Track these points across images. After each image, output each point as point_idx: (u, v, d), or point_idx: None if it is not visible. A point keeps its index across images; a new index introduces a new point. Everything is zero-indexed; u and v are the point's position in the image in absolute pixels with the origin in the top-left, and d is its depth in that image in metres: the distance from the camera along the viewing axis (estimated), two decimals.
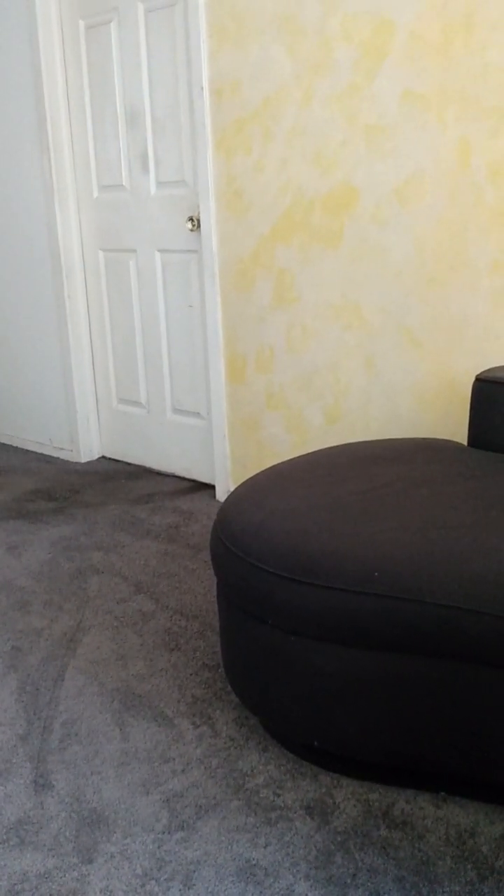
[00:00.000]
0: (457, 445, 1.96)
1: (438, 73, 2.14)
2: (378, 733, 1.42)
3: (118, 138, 3.05)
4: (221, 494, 3.03)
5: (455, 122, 2.14)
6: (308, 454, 1.92)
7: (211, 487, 3.15)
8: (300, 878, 1.32)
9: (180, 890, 1.31)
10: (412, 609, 1.32)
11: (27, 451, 3.79)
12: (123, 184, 3.09)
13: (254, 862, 1.36)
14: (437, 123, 2.17)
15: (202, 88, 2.63)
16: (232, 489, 3.00)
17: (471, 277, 2.21)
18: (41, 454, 3.72)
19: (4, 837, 1.44)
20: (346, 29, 2.27)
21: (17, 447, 3.85)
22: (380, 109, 2.27)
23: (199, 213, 2.85)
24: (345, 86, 2.31)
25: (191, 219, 2.84)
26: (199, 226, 2.86)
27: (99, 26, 2.98)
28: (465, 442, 2.34)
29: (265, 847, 1.39)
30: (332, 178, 2.41)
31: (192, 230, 2.87)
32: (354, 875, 1.33)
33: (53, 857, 1.39)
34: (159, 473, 3.35)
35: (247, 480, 1.77)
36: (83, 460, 3.56)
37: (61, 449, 3.63)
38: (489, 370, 2.02)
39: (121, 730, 1.71)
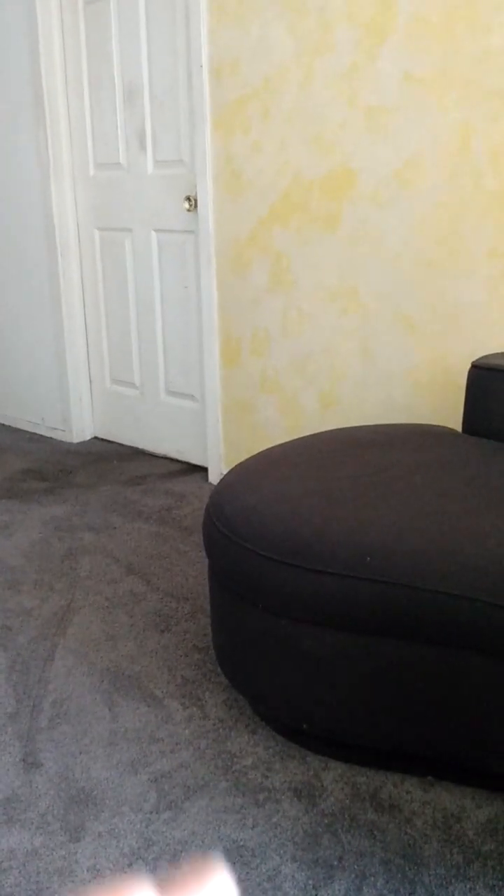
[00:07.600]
0: (451, 432, 1.96)
1: (440, 55, 2.11)
2: (367, 717, 1.42)
3: (116, 115, 3.01)
4: (214, 477, 3.02)
5: (456, 105, 2.12)
6: (302, 438, 1.91)
7: (203, 470, 3.14)
8: (287, 860, 1.33)
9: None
10: (404, 594, 1.32)
11: (19, 430, 3.77)
12: (120, 162, 3.05)
13: (241, 843, 1.36)
14: (437, 106, 2.15)
15: (201, 66, 2.60)
16: (224, 472, 2.99)
17: (468, 263, 2.20)
18: (33, 433, 3.70)
19: None
20: (347, 8, 2.24)
21: (8, 426, 3.83)
22: (380, 91, 2.24)
23: (196, 193, 2.83)
24: (346, 66, 2.29)
25: (188, 198, 2.81)
26: (195, 206, 2.83)
27: (98, 1, 2.94)
28: (459, 428, 2.34)
29: (252, 828, 1.40)
30: (331, 159, 2.39)
31: (188, 210, 2.84)
32: (341, 857, 1.33)
33: (41, 835, 1.39)
34: (152, 455, 3.34)
35: (240, 463, 1.77)
36: (75, 441, 3.54)
37: (54, 429, 3.61)
38: (485, 357, 2.02)
39: (110, 710, 1.71)
